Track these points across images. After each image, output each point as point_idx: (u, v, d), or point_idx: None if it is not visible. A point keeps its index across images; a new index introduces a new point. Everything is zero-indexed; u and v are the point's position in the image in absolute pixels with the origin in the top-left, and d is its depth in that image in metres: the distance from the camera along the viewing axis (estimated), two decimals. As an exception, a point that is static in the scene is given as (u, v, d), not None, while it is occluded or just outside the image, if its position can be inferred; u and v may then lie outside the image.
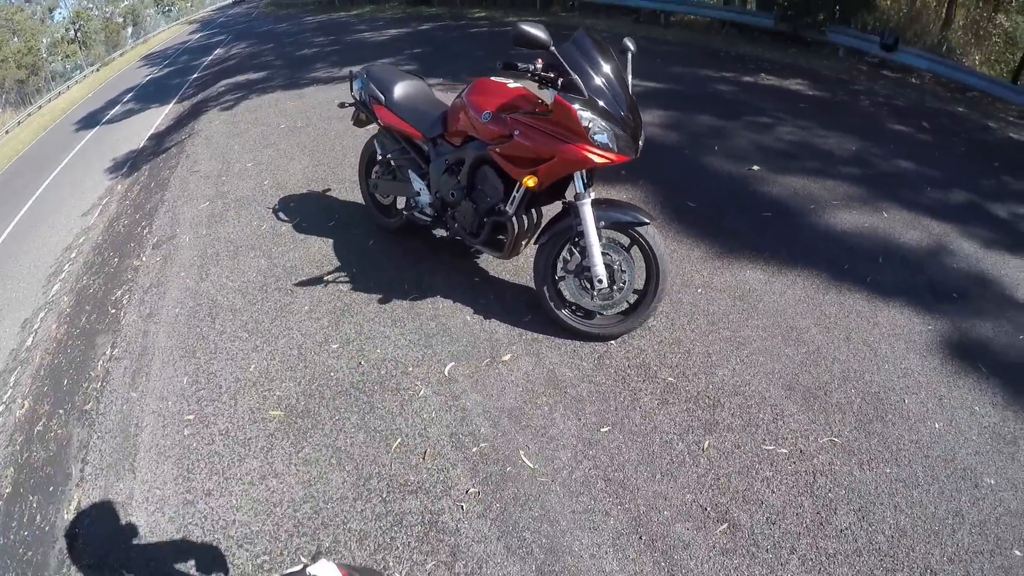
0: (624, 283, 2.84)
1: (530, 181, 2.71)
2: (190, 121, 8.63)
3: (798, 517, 2.19)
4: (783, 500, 2.25)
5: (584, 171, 2.72)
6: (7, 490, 3.00)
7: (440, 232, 3.93)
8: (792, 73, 8.05)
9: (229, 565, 2.20)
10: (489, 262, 3.67)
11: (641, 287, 2.91)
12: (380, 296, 3.48)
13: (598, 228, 2.75)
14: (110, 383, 3.26)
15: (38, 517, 2.69)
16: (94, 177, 9.73)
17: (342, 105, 4.00)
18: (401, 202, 3.88)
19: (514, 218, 2.94)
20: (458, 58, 9.30)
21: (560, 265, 2.96)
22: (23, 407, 3.63)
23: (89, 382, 3.39)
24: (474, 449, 2.52)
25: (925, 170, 4.94)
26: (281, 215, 4.61)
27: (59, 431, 3.15)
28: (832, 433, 2.51)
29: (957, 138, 5.87)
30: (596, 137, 2.54)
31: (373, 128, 3.84)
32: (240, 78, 10.45)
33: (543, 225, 3.03)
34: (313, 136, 6.30)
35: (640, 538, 2.14)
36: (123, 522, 2.44)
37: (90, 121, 17.14)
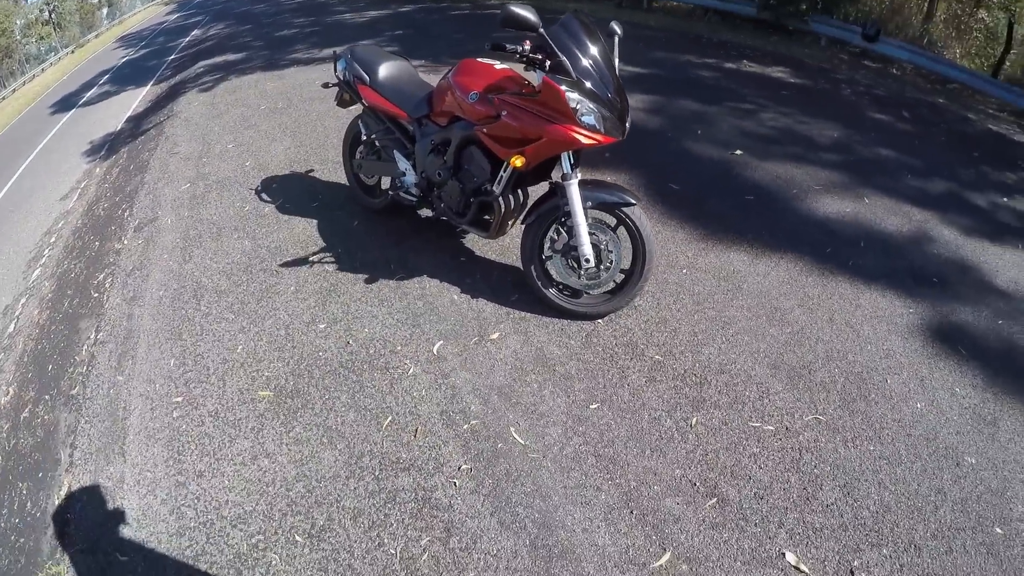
0: (611, 263, 2.87)
1: (518, 161, 2.73)
2: (168, 103, 8.46)
3: (785, 492, 2.24)
4: (770, 476, 2.30)
5: (571, 152, 2.74)
6: (-5, 477, 2.97)
7: (425, 212, 3.91)
8: (774, 61, 8.10)
9: (224, 545, 2.20)
10: (475, 242, 3.68)
11: (628, 267, 2.94)
12: (366, 276, 3.48)
13: (585, 208, 2.78)
14: (96, 367, 3.22)
15: (28, 504, 2.65)
16: (71, 160, 9.56)
17: (326, 85, 3.98)
18: (386, 182, 3.86)
19: (501, 198, 2.95)
20: (439, 40, 9.22)
21: (547, 245, 2.98)
22: (7, 394, 3.58)
23: (74, 367, 3.34)
24: (465, 426, 2.54)
25: (906, 158, 5.01)
26: (264, 196, 4.56)
27: (46, 417, 3.11)
28: (817, 411, 2.57)
29: (937, 128, 5.97)
30: (584, 118, 2.56)
31: (356, 109, 3.82)
32: (219, 59, 10.25)
33: (530, 205, 3.05)
34: (294, 117, 6.22)
35: (631, 513, 2.18)
36: (115, 505, 2.42)
37: (66, 104, 16.82)
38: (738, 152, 4.92)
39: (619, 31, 2.83)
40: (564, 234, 2.88)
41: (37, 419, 3.14)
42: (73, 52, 28.15)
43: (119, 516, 2.37)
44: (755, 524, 2.13)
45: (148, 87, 12.51)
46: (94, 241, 5.00)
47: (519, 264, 3.17)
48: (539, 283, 3.04)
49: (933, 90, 7.70)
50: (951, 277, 3.50)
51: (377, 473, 2.37)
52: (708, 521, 2.15)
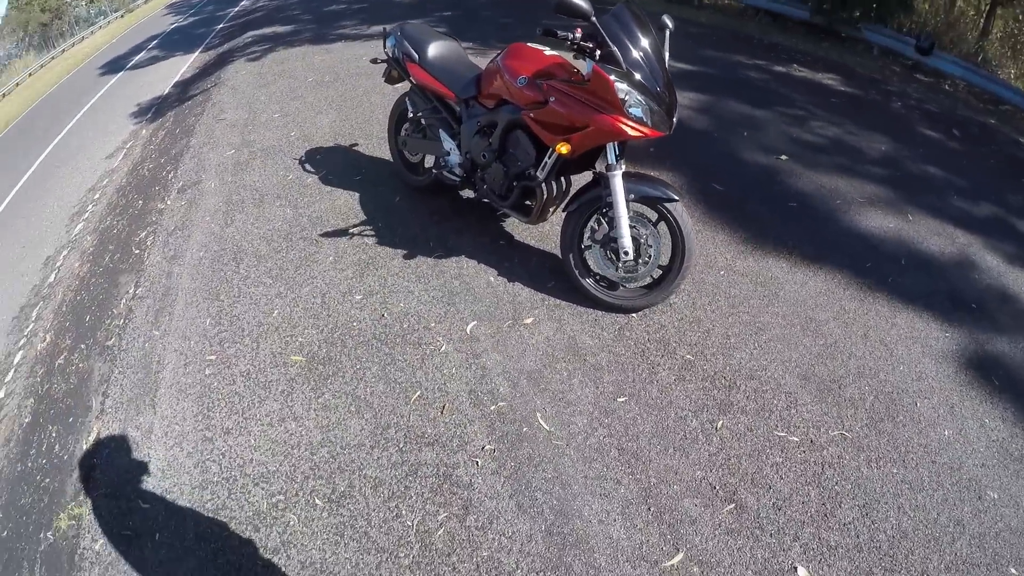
0: (650, 257, 2.85)
1: (563, 148, 2.72)
2: (216, 70, 8.58)
3: (804, 505, 2.20)
4: (790, 487, 2.27)
5: (616, 143, 2.73)
6: (27, 419, 3.06)
7: (467, 193, 3.91)
8: (825, 67, 7.93)
9: (244, 502, 2.25)
10: (515, 226, 3.68)
11: (666, 263, 2.92)
12: (405, 252, 3.50)
13: (627, 201, 2.76)
14: (133, 321, 3.31)
15: (57, 446, 2.74)
16: (118, 121, 9.74)
17: (374, 61, 3.99)
18: (429, 161, 3.88)
19: (544, 184, 2.95)
20: (487, 23, 9.19)
21: (587, 234, 2.97)
22: (45, 341, 3.69)
23: (111, 319, 3.43)
24: (492, 407, 2.55)
25: (953, 178, 4.87)
26: (307, 167, 4.61)
27: (80, 365, 3.20)
28: (843, 427, 2.52)
29: (987, 150, 5.79)
30: (631, 110, 2.55)
31: (403, 86, 3.83)
32: (267, 30, 10.36)
33: (572, 193, 3.04)
34: (341, 91, 6.26)
35: (648, 509, 2.17)
36: (141, 455, 2.49)
37: (114, 66, 17.10)
38: (784, 157, 4.84)
39: (671, 25, 2.79)
40: (605, 225, 2.87)
41: (71, 366, 3.23)
42: (123, 16, 28.58)
43: (144, 465, 2.44)
44: (770, 534, 2.11)
45: (196, 54, 12.70)
46: (137, 200, 5.11)
47: (557, 251, 3.17)
48: (576, 272, 3.04)
49: (985, 110, 7.47)
50: (990, 304, 3.39)
51: (401, 445, 2.40)
52: (724, 526, 2.13)
